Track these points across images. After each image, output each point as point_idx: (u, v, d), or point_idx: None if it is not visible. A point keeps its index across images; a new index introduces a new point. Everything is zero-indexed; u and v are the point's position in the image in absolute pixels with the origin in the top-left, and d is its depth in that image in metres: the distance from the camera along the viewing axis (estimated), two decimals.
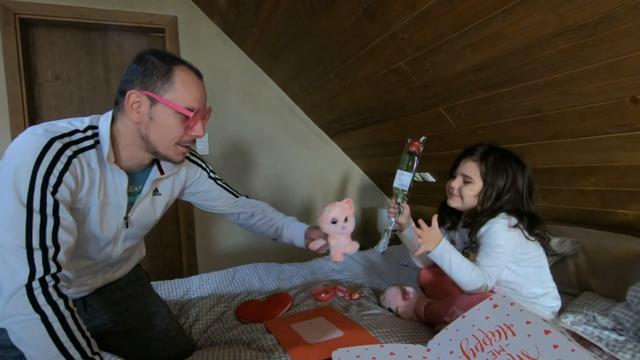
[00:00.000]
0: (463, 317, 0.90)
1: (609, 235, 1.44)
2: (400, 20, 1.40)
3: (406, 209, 1.25)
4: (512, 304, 0.83)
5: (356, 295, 1.39)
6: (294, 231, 1.21)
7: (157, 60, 0.82)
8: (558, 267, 1.38)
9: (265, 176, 2.84)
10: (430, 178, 2.41)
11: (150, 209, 1.00)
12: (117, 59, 2.47)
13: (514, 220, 1.08)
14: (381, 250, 1.28)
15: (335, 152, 3.08)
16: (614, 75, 1.10)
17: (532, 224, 1.08)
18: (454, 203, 1.20)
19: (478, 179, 1.14)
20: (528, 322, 0.76)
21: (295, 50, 2.15)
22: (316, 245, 1.11)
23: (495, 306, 0.86)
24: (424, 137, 1.16)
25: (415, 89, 1.77)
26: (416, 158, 1.19)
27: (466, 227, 1.23)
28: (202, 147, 2.65)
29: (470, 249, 1.18)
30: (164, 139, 0.86)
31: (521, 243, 1.08)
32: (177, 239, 2.74)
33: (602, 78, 1.13)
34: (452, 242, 1.29)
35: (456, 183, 1.17)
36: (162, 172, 0.99)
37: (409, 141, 1.17)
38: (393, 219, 1.26)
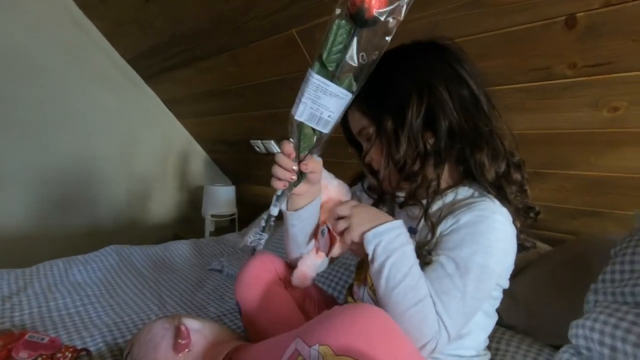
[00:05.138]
0: None
1: None
2: None
3: (315, 166, 0.57)
4: None
5: (67, 355, 0.61)
6: None
7: None
8: None
9: (25, 135, 1.68)
10: (274, 148, 1.81)
11: None
12: None
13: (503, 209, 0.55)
14: (250, 244, 0.63)
15: (154, 106, 2.18)
16: None
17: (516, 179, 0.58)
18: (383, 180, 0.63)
19: (368, 122, 0.62)
20: None
21: None
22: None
23: None
24: None
25: None
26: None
27: (407, 205, 0.62)
28: None
29: (420, 256, 0.57)
30: None
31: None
32: None
33: None
34: None
35: (365, 150, 0.64)
36: None
37: None
38: (280, 192, 0.59)
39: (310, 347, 0.46)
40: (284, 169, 0.55)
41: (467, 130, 0.56)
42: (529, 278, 0.78)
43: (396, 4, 0.46)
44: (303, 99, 0.50)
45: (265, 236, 0.62)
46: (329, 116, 0.51)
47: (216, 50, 1.51)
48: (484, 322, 0.59)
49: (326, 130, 0.53)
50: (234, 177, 2.43)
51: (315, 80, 0.49)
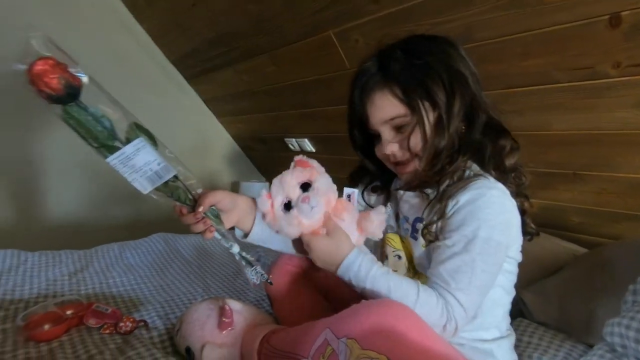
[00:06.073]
0: None
1: None
2: None
3: (207, 200, 0.59)
4: None
5: (128, 324, 0.69)
6: None
7: None
8: None
9: (67, 142, 1.80)
10: (309, 146, 1.86)
11: None
12: None
13: (498, 184, 0.58)
14: (259, 282, 0.65)
15: (195, 105, 2.28)
16: None
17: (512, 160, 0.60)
18: (409, 168, 0.63)
19: (405, 111, 0.60)
20: None
21: None
22: None
23: None
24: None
25: None
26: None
27: (414, 189, 0.66)
28: None
29: (427, 233, 0.60)
30: None
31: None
32: None
33: None
34: None
35: (390, 140, 0.63)
36: None
37: None
38: (216, 234, 0.61)
39: (339, 339, 0.49)
40: (196, 223, 0.57)
41: (491, 120, 0.60)
42: (563, 278, 0.77)
43: (73, 66, 0.49)
44: (130, 179, 0.52)
45: (258, 266, 0.64)
46: (158, 164, 0.53)
47: (254, 52, 1.57)
48: (502, 298, 0.61)
49: (171, 172, 0.55)
50: (268, 173, 2.50)
51: (114, 162, 0.51)
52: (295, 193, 0.59)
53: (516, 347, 0.66)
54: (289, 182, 0.60)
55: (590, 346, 0.60)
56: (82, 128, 0.49)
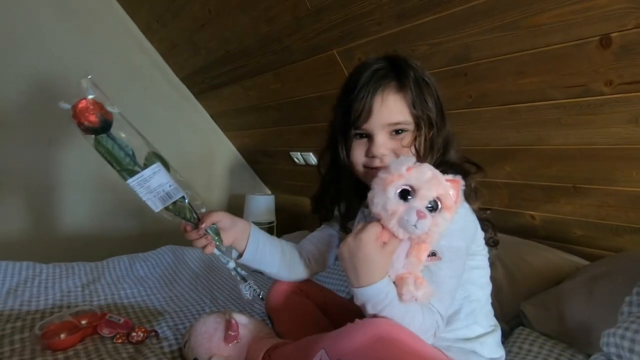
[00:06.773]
0: None
1: (519, 241, 1.11)
2: None
3: (209, 218, 0.64)
4: None
5: (140, 334, 0.71)
6: None
7: None
8: None
9: (81, 158, 1.83)
10: (313, 160, 1.89)
11: None
12: None
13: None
14: (252, 297, 0.69)
15: (202, 120, 2.33)
16: None
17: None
18: None
19: (411, 120, 0.63)
20: None
21: None
22: None
23: None
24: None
25: (304, 17, 1.21)
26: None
27: None
28: None
29: None
30: None
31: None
32: None
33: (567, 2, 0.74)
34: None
35: (384, 142, 0.63)
36: None
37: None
38: (215, 250, 0.66)
39: (330, 356, 0.51)
40: (198, 238, 0.63)
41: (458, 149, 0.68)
42: (563, 289, 0.79)
43: (107, 101, 0.57)
44: (144, 198, 0.59)
45: (251, 282, 0.69)
46: (170, 186, 0.60)
47: (261, 69, 1.63)
48: (474, 293, 0.63)
49: (180, 193, 0.61)
50: (273, 186, 2.54)
51: (133, 183, 0.58)
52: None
53: (516, 354, 0.67)
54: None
55: (590, 356, 0.61)
56: (109, 154, 0.57)
